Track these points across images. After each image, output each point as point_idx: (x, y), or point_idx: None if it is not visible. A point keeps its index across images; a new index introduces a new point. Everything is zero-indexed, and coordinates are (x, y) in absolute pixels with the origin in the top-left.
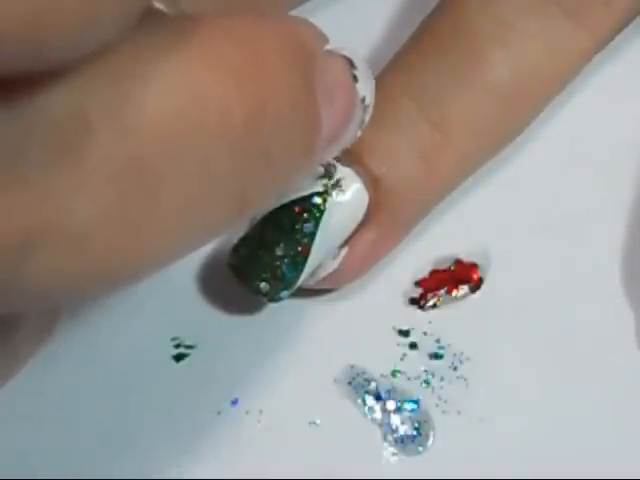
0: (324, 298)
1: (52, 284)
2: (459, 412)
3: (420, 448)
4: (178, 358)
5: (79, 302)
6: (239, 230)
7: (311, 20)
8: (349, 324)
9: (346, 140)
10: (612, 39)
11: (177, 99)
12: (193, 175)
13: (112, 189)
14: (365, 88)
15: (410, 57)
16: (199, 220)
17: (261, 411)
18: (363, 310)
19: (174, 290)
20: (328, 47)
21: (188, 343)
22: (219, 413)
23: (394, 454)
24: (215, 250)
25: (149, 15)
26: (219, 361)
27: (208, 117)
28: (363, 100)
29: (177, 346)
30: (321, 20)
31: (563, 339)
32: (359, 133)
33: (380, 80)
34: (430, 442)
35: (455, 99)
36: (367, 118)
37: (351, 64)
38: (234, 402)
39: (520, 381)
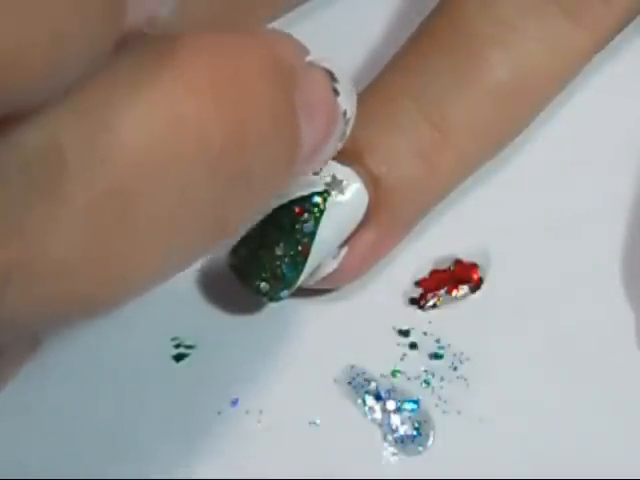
0: (324, 298)
1: (33, 313)
2: (459, 412)
3: (420, 448)
4: (178, 358)
5: (62, 329)
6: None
7: (310, 21)
8: (349, 324)
9: (327, 154)
10: (612, 39)
11: (154, 126)
12: (172, 200)
13: (89, 220)
14: (346, 101)
15: (410, 58)
16: (180, 244)
17: (261, 411)
18: (363, 310)
19: (174, 290)
20: (309, 58)
21: (188, 343)
22: (219, 413)
23: (394, 454)
24: (216, 251)
25: (126, 40)
26: (219, 361)
27: (186, 142)
28: (344, 113)
29: (177, 346)
30: (320, 20)
31: (563, 339)
32: (340, 145)
33: (380, 81)
34: (430, 442)
35: (455, 99)
36: (348, 131)
37: (332, 77)
38: (234, 402)
39: (520, 381)
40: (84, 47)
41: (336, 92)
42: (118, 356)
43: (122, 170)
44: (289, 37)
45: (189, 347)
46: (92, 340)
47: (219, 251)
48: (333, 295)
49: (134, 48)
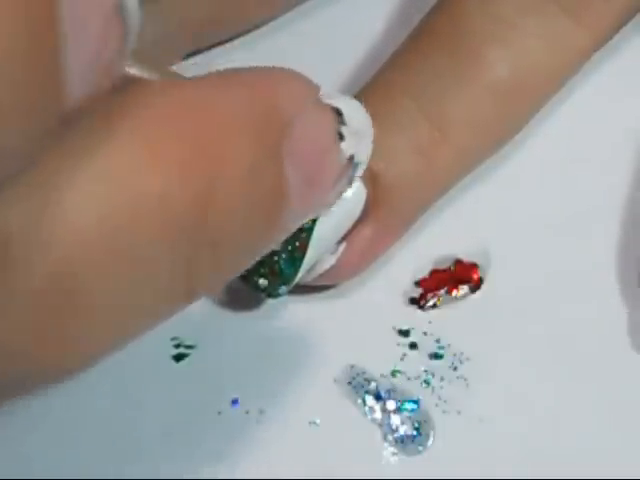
0: (324, 298)
1: None
2: (459, 412)
3: (420, 448)
4: (178, 358)
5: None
6: None
7: (310, 20)
8: (349, 324)
9: (329, 202)
10: (611, 37)
11: (105, 201)
12: (126, 278)
13: (35, 305)
14: (354, 145)
15: (409, 56)
16: (139, 315)
17: (261, 411)
18: (363, 310)
19: None
20: (320, 95)
21: (188, 343)
22: (219, 413)
23: (394, 454)
24: None
25: (78, 111)
26: (219, 361)
27: (143, 216)
28: (351, 158)
29: (177, 346)
30: (320, 20)
31: (563, 338)
32: (348, 190)
33: (379, 79)
34: (430, 442)
35: (454, 97)
36: (359, 173)
37: (340, 118)
38: (234, 402)
39: (520, 381)
40: (21, 125)
41: (341, 137)
42: (118, 355)
43: (68, 253)
44: (292, 75)
45: (189, 347)
46: None
47: None
48: (333, 295)
49: (86, 118)
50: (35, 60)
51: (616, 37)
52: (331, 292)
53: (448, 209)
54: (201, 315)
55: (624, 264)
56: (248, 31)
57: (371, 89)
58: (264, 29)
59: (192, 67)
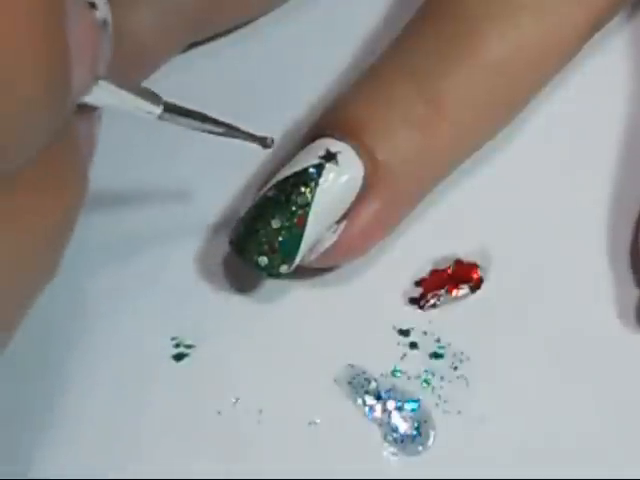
0: (323, 297)
1: None
2: (459, 412)
3: (420, 448)
4: (178, 358)
5: None
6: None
7: (312, 9)
8: (349, 323)
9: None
10: (611, 18)
11: None
12: None
13: None
14: (105, 10)
15: (408, 38)
16: None
17: (261, 411)
18: (363, 309)
19: (174, 290)
20: None
21: (188, 343)
22: (219, 413)
23: (394, 454)
24: (215, 251)
25: None
26: (219, 361)
27: None
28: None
29: (177, 346)
30: (321, 8)
31: (563, 338)
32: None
33: (377, 63)
34: (430, 442)
35: (450, 75)
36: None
37: None
38: (234, 402)
39: (520, 381)
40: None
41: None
42: (118, 355)
43: None
44: None
45: (189, 347)
46: (91, 340)
47: (219, 252)
48: (333, 294)
49: None
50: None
51: (613, 36)
52: (331, 293)
53: (448, 209)
54: (201, 315)
55: (620, 262)
56: (248, 22)
57: (369, 72)
58: (265, 19)
59: (192, 58)
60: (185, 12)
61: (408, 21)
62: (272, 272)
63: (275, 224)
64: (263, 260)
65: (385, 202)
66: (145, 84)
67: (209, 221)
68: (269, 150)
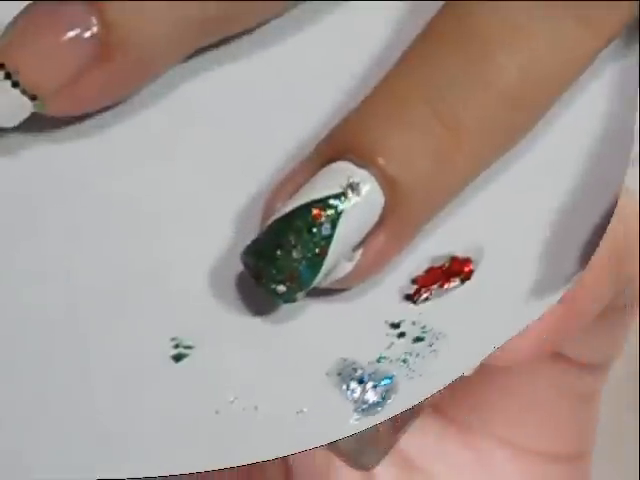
0: (323, 297)
1: None
2: (421, 375)
3: (379, 409)
4: (177, 358)
5: None
6: (245, 236)
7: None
8: (348, 323)
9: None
10: (615, 39)
11: None
12: None
13: None
14: None
15: (419, 60)
16: None
17: (256, 408)
18: (359, 308)
19: (174, 290)
20: None
21: (187, 343)
22: (217, 413)
23: (357, 420)
24: (215, 250)
25: None
26: (218, 361)
27: None
28: None
29: (176, 346)
30: (329, 19)
31: None
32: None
33: (391, 80)
34: (389, 402)
35: (468, 103)
36: None
37: None
38: (232, 401)
39: None
40: None
41: None
42: (116, 355)
43: None
44: None
45: (188, 347)
46: (90, 339)
47: (218, 251)
48: (333, 294)
49: None
50: None
51: None
52: (331, 292)
53: (447, 208)
54: (201, 315)
55: None
56: (256, 28)
57: (382, 90)
58: (271, 29)
59: (196, 65)
60: (191, 22)
61: (418, 34)
62: (289, 299)
63: (296, 254)
64: (282, 289)
65: (400, 229)
66: (147, 90)
67: (209, 221)
68: (275, 156)
